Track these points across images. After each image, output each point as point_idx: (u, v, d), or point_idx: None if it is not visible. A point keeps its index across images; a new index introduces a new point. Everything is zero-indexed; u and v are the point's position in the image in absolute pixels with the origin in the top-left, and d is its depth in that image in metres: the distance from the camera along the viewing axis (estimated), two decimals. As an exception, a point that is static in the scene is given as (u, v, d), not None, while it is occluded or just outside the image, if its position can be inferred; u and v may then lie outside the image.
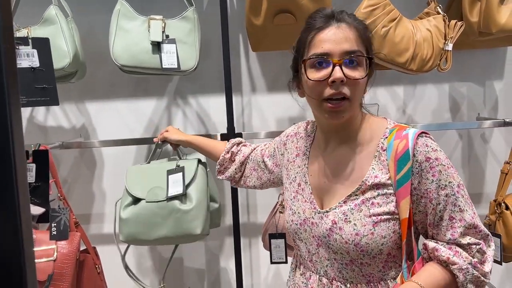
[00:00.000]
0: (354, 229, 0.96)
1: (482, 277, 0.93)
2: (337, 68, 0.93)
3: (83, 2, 1.78)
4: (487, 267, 0.94)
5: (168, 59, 1.49)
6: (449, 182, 0.94)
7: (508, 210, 1.58)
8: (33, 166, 1.10)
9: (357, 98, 0.97)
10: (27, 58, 1.24)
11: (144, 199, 1.45)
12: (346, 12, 0.99)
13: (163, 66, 1.50)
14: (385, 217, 0.95)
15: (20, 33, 1.50)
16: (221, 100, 1.73)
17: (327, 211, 1.02)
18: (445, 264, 0.94)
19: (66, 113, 1.92)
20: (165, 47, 1.50)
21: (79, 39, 1.61)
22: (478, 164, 1.97)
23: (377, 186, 0.96)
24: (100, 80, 1.87)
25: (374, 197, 0.96)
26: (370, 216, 0.95)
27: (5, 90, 0.47)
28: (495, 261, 1.61)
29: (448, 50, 1.55)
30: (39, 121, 1.92)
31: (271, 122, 1.93)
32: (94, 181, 1.95)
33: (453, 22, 1.56)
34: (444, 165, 0.94)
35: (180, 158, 1.60)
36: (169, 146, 1.63)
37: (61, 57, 1.49)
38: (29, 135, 1.90)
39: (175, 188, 1.45)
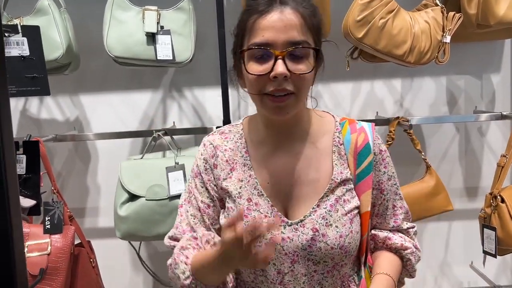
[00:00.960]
0: (337, 231, 0.90)
1: (420, 255, 1.03)
2: (279, 61, 0.82)
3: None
4: (418, 244, 1.03)
5: (163, 50, 1.47)
6: (393, 173, 0.98)
7: (504, 203, 1.58)
8: (23, 158, 1.08)
9: (303, 93, 0.87)
10: (17, 47, 1.21)
11: (143, 197, 1.45)
12: None
13: (158, 58, 1.48)
14: (355, 211, 0.93)
15: (12, 24, 1.47)
16: (217, 92, 1.71)
17: (301, 220, 0.91)
18: (396, 250, 0.99)
19: (59, 105, 1.90)
20: (160, 38, 1.48)
21: (73, 30, 1.58)
22: (475, 158, 1.97)
23: (343, 182, 0.93)
24: (94, 72, 1.85)
25: (343, 194, 0.93)
26: (346, 214, 0.91)
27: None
28: (490, 254, 1.62)
29: (446, 43, 1.54)
30: (32, 113, 1.89)
31: (268, 115, 1.91)
32: (89, 175, 1.93)
33: (451, 14, 1.55)
34: (389, 156, 0.98)
35: (176, 155, 1.58)
36: (163, 140, 1.61)
37: (54, 48, 1.47)
38: (22, 128, 1.88)
39: (177, 186, 1.46)
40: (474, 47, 1.86)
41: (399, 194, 1.00)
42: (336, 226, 0.90)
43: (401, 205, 1.01)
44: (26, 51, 1.21)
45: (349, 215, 0.92)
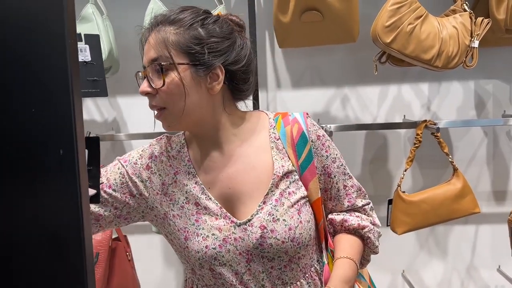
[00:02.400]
0: (285, 225, 0.90)
1: (379, 230, 1.04)
2: (144, 80, 0.90)
3: (117, 0, 1.85)
4: (377, 220, 1.04)
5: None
6: (336, 155, 0.99)
7: (533, 207, 1.58)
8: (85, 152, 1.16)
9: (172, 105, 0.89)
10: (80, 53, 1.31)
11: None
12: (165, 13, 0.91)
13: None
14: (302, 201, 0.94)
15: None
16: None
17: (249, 220, 0.92)
18: (355, 231, 1.00)
19: (98, 107, 1.99)
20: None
21: (114, 36, 1.67)
22: (503, 162, 1.96)
23: (286, 175, 0.94)
24: (131, 75, 1.92)
25: (288, 187, 0.93)
26: (292, 205, 0.92)
27: (70, 79, 0.53)
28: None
29: (474, 47, 1.55)
30: (73, 114, 1.99)
31: (296, 118, 1.95)
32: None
33: (479, 19, 1.56)
34: (329, 140, 1.00)
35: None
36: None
37: (97, 54, 1.55)
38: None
39: None
40: (502, 51, 1.86)
41: (348, 173, 1.01)
42: (284, 220, 0.90)
43: (351, 184, 1.01)
44: (88, 57, 1.31)
45: (295, 206, 0.92)
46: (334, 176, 0.99)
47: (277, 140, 0.96)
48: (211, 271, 0.93)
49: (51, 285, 0.51)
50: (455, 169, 1.67)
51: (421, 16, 1.50)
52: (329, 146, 0.99)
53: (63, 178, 0.54)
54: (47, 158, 0.51)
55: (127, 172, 0.97)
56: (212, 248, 0.91)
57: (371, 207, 1.05)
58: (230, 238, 0.91)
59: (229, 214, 0.93)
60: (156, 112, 0.92)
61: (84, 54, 1.31)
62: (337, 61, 1.89)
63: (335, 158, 0.99)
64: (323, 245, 1.00)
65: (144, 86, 0.89)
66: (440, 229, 1.98)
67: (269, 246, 0.90)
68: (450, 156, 1.67)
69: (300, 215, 0.92)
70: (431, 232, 1.99)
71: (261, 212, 0.91)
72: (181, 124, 0.92)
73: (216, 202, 0.94)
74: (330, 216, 1.03)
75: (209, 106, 0.91)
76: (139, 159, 0.99)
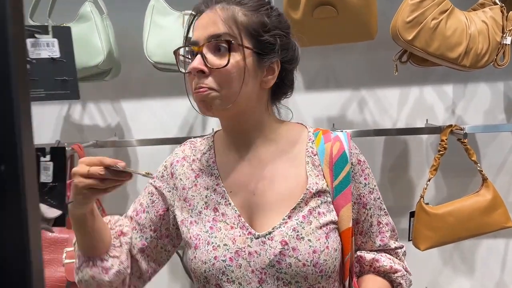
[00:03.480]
0: (310, 246, 0.80)
1: (411, 279, 0.94)
2: (197, 56, 0.80)
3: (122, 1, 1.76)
4: (408, 267, 0.95)
5: (203, 55, 1.44)
6: (374, 186, 0.91)
7: None
8: (50, 165, 1.06)
9: (227, 89, 0.80)
10: (47, 48, 1.20)
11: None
12: None
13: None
14: (332, 226, 0.84)
15: (56, 31, 1.49)
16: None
17: (269, 233, 0.82)
18: (385, 274, 0.91)
19: (101, 111, 1.91)
20: (200, 43, 1.45)
21: (114, 36, 1.59)
22: (536, 170, 1.82)
23: (319, 193, 0.85)
24: (135, 78, 1.85)
25: (318, 206, 0.84)
26: (320, 227, 0.82)
27: (12, 80, 0.42)
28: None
29: (506, 44, 1.42)
30: (75, 119, 1.92)
31: (309, 123, 1.84)
32: (128, 181, 1.93)
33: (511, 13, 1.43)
34: (369, 168, 0.92)
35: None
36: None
37: (95, 54, 1.47)
38: (65, 134, 1.91)
39: None
40: (536, 49, 1.72)
41: (384, 209, 0.93)
42: (309, 240, 0.80)
43: (387, 221, 0.93)
44: (56, 53, 1.20)
45: (324, 228, 0.82)
46: (369, 209, 0.90)
47: (314, 155, 0.88)
48: (218, 286, 0.82)
49: None
50: (484, 179, 1.53)
51: (446, 10, 1.38)
52: (368, 174, 0.91)
53: (4, 199, 0.43)
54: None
55: (155, 188, 0.94)
56: (222, 260, 0.81)
57: (404, 251, 0.96)
58: (244, 252, 0.81)
59: (247, 224, 0.84)
60: (201, 90, 0.81)
61: (52, 49, 1.20)
62: (353, 61, 1.78)
63: (373, 189, 0.91)
64: (347, 283, 0.88)
65: (198, 62, 0.79)
66: (466, 243, 1.83)
67: (288, 266, 0.79)
68: (478, 165, 1.53)
69: (327, 240, 0.82)
70: (456, 246, 1.84)
71: (284, 226, 0.82)
72: (225, 111, 0.83)
73: (236, 209, 0.85)
74: (358, 252, 0.93)
75: (257, 101, 0.86)
76: (164, 170, 0.96)
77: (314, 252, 0.80)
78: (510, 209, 1.61)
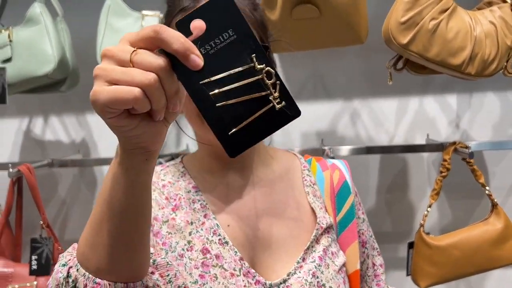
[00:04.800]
0: None
1: None
2: None
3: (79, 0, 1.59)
4: None
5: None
6: (367, 221, 0.84)
7: None
8: None
9: None
10: None
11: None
12: None
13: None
14: (344, 269, 0.74)
15: (1, 35, 1.32)
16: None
17: (284, 280, 0.67)
18: None
19: (65, 126, 1.74)
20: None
21: (70, 42, 1.41)
22: (553, 191, 1.63)
23: (328, 229, 0.74)
24: (101, 89, 1.68)
25: (330, 245, 0.73)
26: (338, 271, 0.71)
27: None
28: None
29: (518, 48, 1.23)
30: (37, 135, 1.74)
31: (296, 139, 1.67)
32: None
33: (523, 13, 1.24)
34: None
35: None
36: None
37: (45, 62, 1.30)
38: (25, 151, 1.74)
39: None
40: (551, 55, 1.54)
41: (377, 248, 0.85)
42: (330, 287, 0.68)
43: (380, 262, 0.85)
44: None
45: (340, 273, 0.72)
46: (367, 248, 0.83)
47: (314, 185, 0.78)
48: None
49: None
50: (494, 205, 1.33)
51: (447, 9, 1.20)
52: (363, 207, 0.84)
53: None
54: None
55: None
56: None
57: None
58: None
59: (252, 271, 0.67)
60: None
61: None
62: (344, 68, 1.63)
63: (368, 225, 0.84)
64: None
65: None
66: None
67: None
68: (487, 188, 1.33)
69: (346, 286, 0.72)
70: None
71: (300, 271, 0.68)
72: None
73: (235, 249, 0.68)
74: None
75: None
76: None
77: None
78: (524, 238, 1.42)
